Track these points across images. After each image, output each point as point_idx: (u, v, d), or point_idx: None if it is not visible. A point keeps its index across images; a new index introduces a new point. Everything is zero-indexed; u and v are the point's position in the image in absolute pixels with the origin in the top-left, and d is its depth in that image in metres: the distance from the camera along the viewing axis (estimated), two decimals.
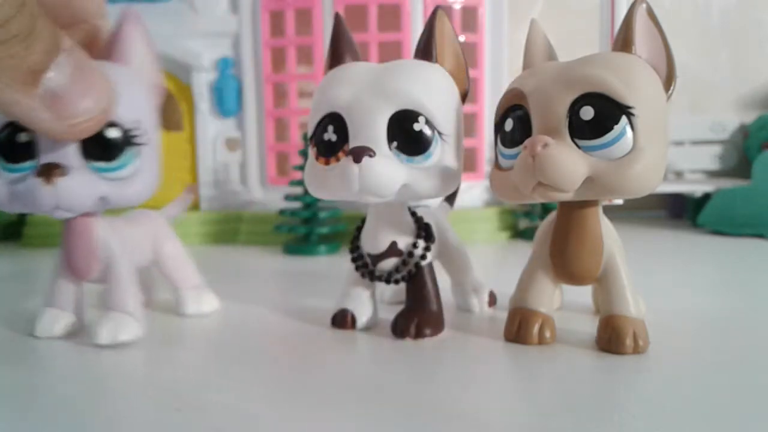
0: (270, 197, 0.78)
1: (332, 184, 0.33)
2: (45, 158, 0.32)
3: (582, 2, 0.94)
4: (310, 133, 0.35)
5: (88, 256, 0.36)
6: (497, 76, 0.77)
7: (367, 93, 0.32)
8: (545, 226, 0.36)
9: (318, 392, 0.28)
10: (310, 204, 0.68)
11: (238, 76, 0.78)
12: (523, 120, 0.31)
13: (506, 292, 0.38)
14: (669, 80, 0.31)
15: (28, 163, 0.32)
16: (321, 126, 0.34)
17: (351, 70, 0.34)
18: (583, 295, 0.41)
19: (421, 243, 0.36)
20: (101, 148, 0.33)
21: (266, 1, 0.75)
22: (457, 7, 0.74)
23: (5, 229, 0.83)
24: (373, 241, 0.36)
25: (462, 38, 0.74)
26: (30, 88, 0.28)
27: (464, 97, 0.35)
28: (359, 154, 0.31)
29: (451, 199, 0.46)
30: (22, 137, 0.32)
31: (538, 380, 0.29)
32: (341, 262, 0.61)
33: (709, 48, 0.97)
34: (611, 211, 0.37)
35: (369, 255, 0.37)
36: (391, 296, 0.44)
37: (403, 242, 0.36)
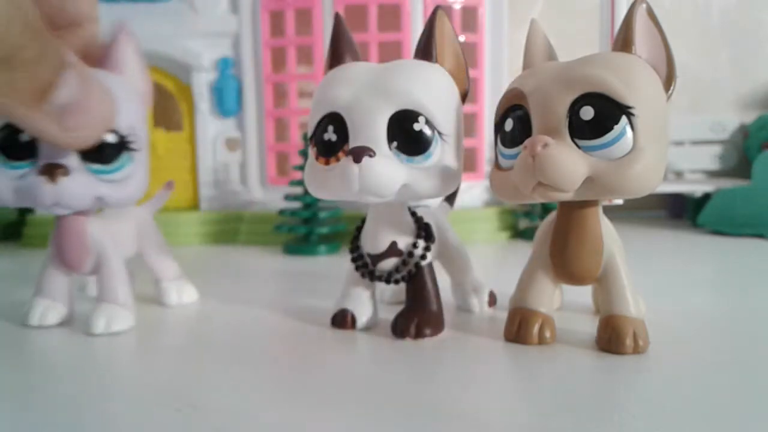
0: (270, 197, 0.78)
1: (332, 184, 0.33)
2: (45, 157, 0.34)
3: (582, 2, 0.94)
4: (310, 133, 0.35)
5: (81, 250, 0.39)
6: (497, 76, 0.77)
7: (367, 93, 0.32)
8: (545, 226, 0.36)
9: (318, 392, 0.28)
10: (310, 204, 0.68)
11: (238, 76, 0.78)
12: (523, 120, 0.31)
13: (506, 292, 0.38)
14: (669, 80, 0.31)
15: (29, 161, 0.34)
16: (321, 126, 0.34)
17: (351, 70, 0.34)
18: (583, 295, 0.41)
19: (421, 243, 0.36)
20: (99, 152, 0.35)
21: (266, 1, 0.75)
22: (457, 7, 0.74)
23: (5, 229, 0.83)
24: (373, 241, 0.36)
25: (462, 38, 0.74)
26: (40, 105, 0.29)
27: (464, 97, 0.35)
28: (359, 154, 0.31)
29: (451, 199, 0.46)
30: (24, 136, 0.34)
31: (538, 380, 0.29)
32: (341, 262, 0.61)
33: (709, 48, 0.97)
34: (611, 211, 0.37)
35: (369, 255, 0.37)
36: (391, 296, 0.44)
37: (403, 242, 0.36)
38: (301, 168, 0.65)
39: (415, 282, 0.36)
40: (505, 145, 0.32)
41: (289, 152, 0.77)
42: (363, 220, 0.38)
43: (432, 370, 0.30)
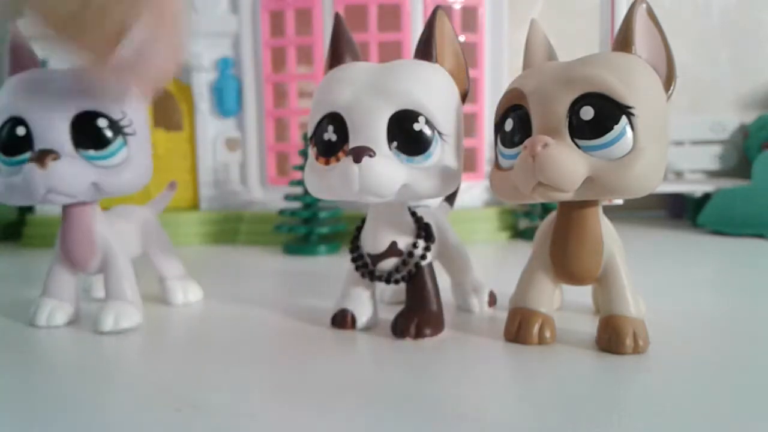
0: (270, 197, 0.78)
1: (332, 184, 0.33)
2: (40, 148, 0.35)
3: (582, 2, 0.94)
4: (310, 133, 0.35)
5: (88, 249, 0.39)
6: (497, 76, 0.77)
7: (367, 93, 0.32)
8: (545, 226, 0.36)
9: (318, 392, 0.28)
10: (310, 204, 0.68)
11: (238, 76, 0.78)
12: (523, 120, 0.31)
13: (506, 292, 0.38)
14: (669, 80, 0.31)
15: (24, 155, 0.35)
16: (321, 126, 0.34)
17: (351, 70, 0.34)
18: (583, 295, 0.41)
19: (421, 243, 0.36)
20: (91, 137, 0.36)
21: (266, 1, 0.75)
22: (457, 7, 0.74)
23: (5, 229, 0.83)
24: (373, 241, 0.36)
25: (462, 38, 0.74)
26: (113, 49, 0.29)
27: (464, 97, 0.35)
28: (359, 154, 0.31)
29: (451, 199, 0.46)
30: (20, 131, 0.35)
31: (538, 380, 0.29)
32: (341, 262, 0.61)
33: (709, 48, 0.97)
34: (611, 211, 0.37)
35: (369, 255, 0.37)
36: (391, 296, 0.44)
37: (403, 242, 0.36)
38: (301, 168, 0.65)
39: (415, 282, 0.36)
40: (505, 145, 0.32)
41: (289, 152, 0.77)
42: (363, 220, 0.38)
43: (432, 370, 0.30)
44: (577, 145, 0.29)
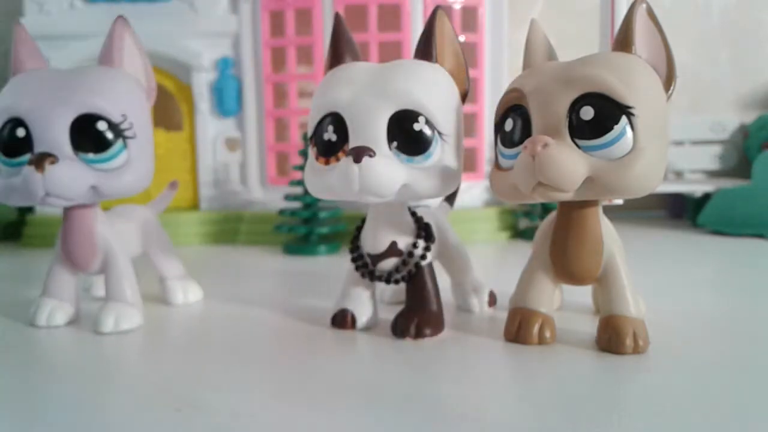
0: (270, 197, 0.78)
1: (332, 184, 0.33)
2: (39, 150, 0.35)
3: (582, 2, 0.94)
4: (310, 133, 0.35)
5: (89, 250, 0.39)
6: (497, 76, 0.77)
7: (367, 93, 0.32)
8: (545, 226, 0.36)
9: (318, 392, 0.28)
10: (310, 204, 0.68)
11: (238, 76, 0.78)
12: (523, 120, 0.31)
13: (506, 292, 0.38)
14: (669, 80, 0.31)
15: (24, 157, 0.35)
16: (321, 126, 0.34)
17: (351, 70, 0.34)
18: (583, 295, 0.41)
19: (421, 243, 0.36)
20: (91, 140, 0.35)
21: (266, 1, 0.75)
22: (457, 7, 0.74)
23: (5, 229, 0.83)
24: (373, 241, 0.36)
25: (462, 38, 0.74)
26: None
27: (464, 97, 0.35)
28: (359, 154, 0.31)
29: (451, 199, 0.46)
30: (20, 132, 0.35)
31: (538, 380, 0.29)
32: (341, 262, 0.61)
33: (709, 48, 0.97)
34: (611, 211, 0.37)
35: (369, 255, 0.37)
36: (391, 296, 0.44)
37: (403, 242, 0.36)
38: (301, 168, 0.65)
39: (415, 282, 0.36)
40: (505, 145, 0.32)
41: (289, 152, 0.77)
42: (363, 220, 0.38)
43: (432, 370, 0.30)
44: (577, 145, 0.29)
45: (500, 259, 0.66)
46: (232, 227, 0.77)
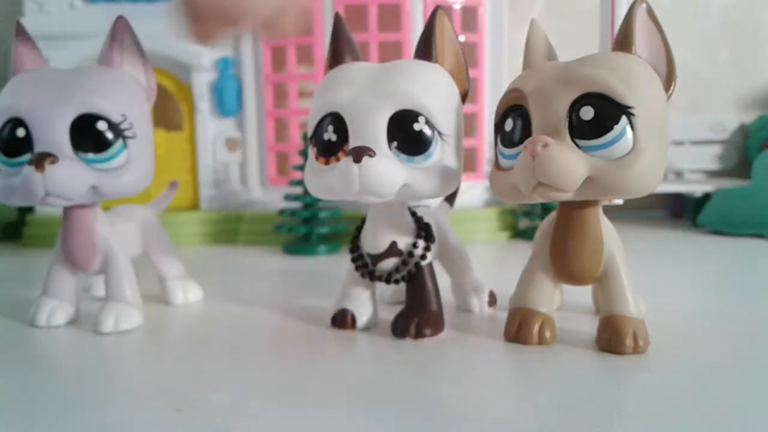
0: (270, 197, 0.78)
1: (332, 184, 0.33)
2: (39, 150, 0.35)
3: (582, 2, 0.94)
4: (310, 133, 0.35)
5: (89, 250, 0.39)
6: (497, 76, 0.77)
7: (367, 93, 0.32)
8: (545, 226, 0.36)
9: (318, 392, 0.28)
10: (310, 204, 0.68)
11: (238, 76, 0.78)
12: (523, 120, 0.31)
13: (506, 292, 0.38)
14: (669, 80, 0.31)
15: (24, 157, 0.35)
16: (321, 126, 0.34)
17: (351, 70, 0.34)
18: (583, 295, 0.41)
19: (421, 243, 0.36)
20: (91, 140, 0.36)
21: None
22: (457, 7, 0.74)
23: (5, 229, 0.83)
24: (373, 241, 0.36)
25: (462, 38, 0.74)
26: None
27: (464, 97, 0.35)
28: (359, 154, 0.31)
29: (451, 199, 0.46)
30: (20, 132, 0.35)
31: (538, 380, 0.29)
32: (341, 262, 0.61)
33: (709, 48, 0.97)
34: (611, 211, 0.37)
35: (369, 255, 0.37)
36: (391, 296, 0.44)
37: (403, 242, 0.36)
38: (301, 168, 0.65)
39: (415, 282, 0.36)
40: (505, 145, 0.32)
41: (289, 152, 0.77)
42: (363, 220, 0.38)
43: (432, 370, 0.30)
44: (577, 145, 0.29)
45: (500, 259, 0.66)
46: (232, 227, 0.77)
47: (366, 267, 0.37)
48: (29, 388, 0.29)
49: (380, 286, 0.42)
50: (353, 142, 0.32)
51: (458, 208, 0.55)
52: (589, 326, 0.36)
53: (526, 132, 0.31)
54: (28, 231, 0.78)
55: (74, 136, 0.35)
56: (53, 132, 0.35)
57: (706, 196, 0.81)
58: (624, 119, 0.29)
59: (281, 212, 0.70)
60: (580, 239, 0.33)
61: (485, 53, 0.77)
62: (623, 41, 0.31)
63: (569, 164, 0.29)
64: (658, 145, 0.30)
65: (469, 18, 0.76)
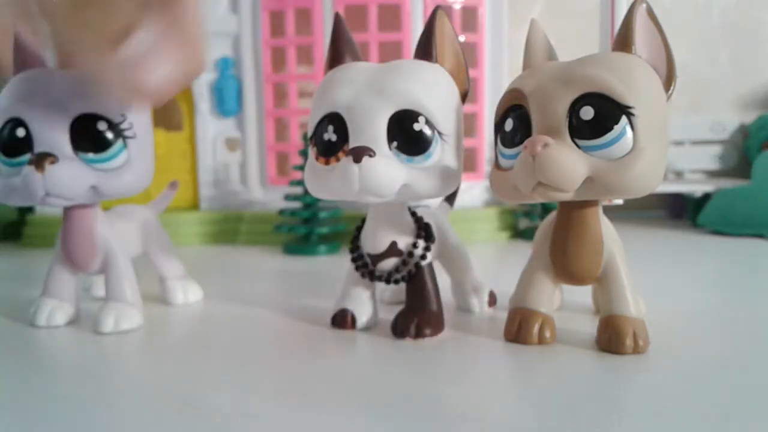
0: (270, 197, 0.78)
1: (332, 184, 0.33)
2: (39, 149, 0.35)
3: (582, 2, 0.94)
4: (310, 133, 0.35)
5: (89, 250, 0.39)
6: (497, 76, 0.77)
7: (367, 93, 0.32)
8: (545, 226, 0.36)
9: (318, 392, 0.28)
10: (310, 204, 0.68)
11: (238, 76, 0.78)
12: (523, 120, 0.31)
13: (506, 292, 0.38)
14: (669, 80, 0.31)
15: (24, 157, 0.35)
16: (321, 126, 0.34)
17: (351, 70, 0.34)
18: (583, 295, 0.41)
19: (421, 243, 0.36)
20: (91, 140, 0.36)
21: (266, 1, 0.75)
22: (457, 7, 0.74)
23: (5, 229, 0.83)
24: (373, 241, 0.36)
25: (462, 38, 0.74)
26: (112, 49, 0.28)
27: (464, 97, 0.35)
28: (359, 154, 0.31)
29: (451, 199, 0.46)
30: (20, 132, 0.35)
31: (538, 380, 0.29)
32: (341, 262, 0.61)
33: (709, 48, 0.97)
34: (611, 211, 0.37)
35: (369, 255, 0.37)
36: (391, 296, 0.44)
37: (403, 242, 0.36)
38: (301, 168, 0.65)
39: (415, 282, 0.36)
40: (505, 145, 0.32)
41: (289, 152, 0.77)
42: (363, 220, 0.38)
43: (432, 370, 0.30)
44: (577, 145, 0.29)
45: (500, 259, 0.66)
46: (232, 227, 0.77)
47: (366, 267, 0.37)
48: (29, 388, 0.29)
49: (380, 286, 0.42)
50: (353, 142, 0.32)
51: (458, 208, 0.55)
52: (589, 326, 0.36)
53: (526, 132, 0.31)
54: (28, 231, 0.78)
55: (74, 136, 0.35)
56: (53, 132, 0.35)
57: (706, 196, 0.81)
58: (624, 119, 0.29)
59: (281, 212, 0.70)
60: (580, 239, 0.33)
61: (485, 53, 0.77)
62: (623, 41, 0.31)
63: (569, 164, 0.29)
64: (658, 145, 0.30)
65: (469, 18, 0.76)
